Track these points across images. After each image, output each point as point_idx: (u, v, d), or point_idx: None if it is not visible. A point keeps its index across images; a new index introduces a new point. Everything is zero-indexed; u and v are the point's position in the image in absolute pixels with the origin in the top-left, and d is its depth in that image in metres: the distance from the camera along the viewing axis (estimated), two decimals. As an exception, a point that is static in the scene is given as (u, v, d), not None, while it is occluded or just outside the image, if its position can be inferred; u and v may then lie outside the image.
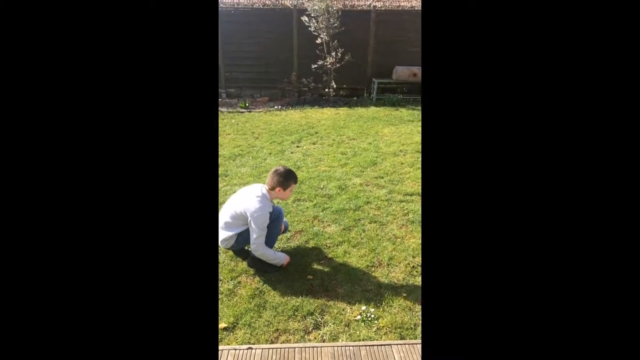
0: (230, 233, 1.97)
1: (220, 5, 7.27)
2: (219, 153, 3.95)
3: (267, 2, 7.36)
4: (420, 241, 2.26)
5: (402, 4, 7.27)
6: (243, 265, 2.04)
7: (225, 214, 2.00)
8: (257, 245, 1.90)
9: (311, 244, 2.25)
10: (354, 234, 2.35)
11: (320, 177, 3.29)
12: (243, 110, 6.31)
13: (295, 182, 1.99)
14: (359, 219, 2.54)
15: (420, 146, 4.06)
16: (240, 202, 1.95)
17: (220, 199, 2.77)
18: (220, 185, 3.13)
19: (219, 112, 6.04)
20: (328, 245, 2.24)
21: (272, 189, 1.95)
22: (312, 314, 1.69)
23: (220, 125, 5.22)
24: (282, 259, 1.99)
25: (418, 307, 1.71)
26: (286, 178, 1.93)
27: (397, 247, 2.22)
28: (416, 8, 7.14)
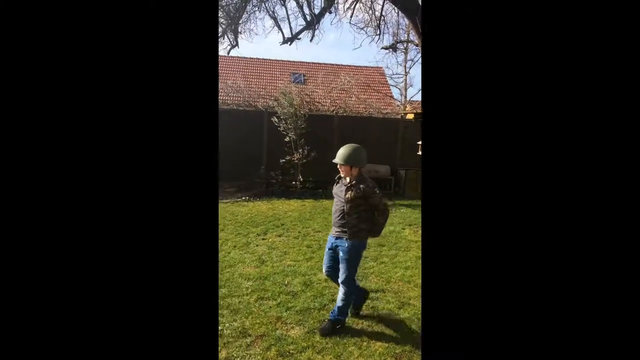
0: None
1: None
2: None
3: (240, 103, 8.12)
4: (388, 347, 2.19)
5: (360, 111, 8.33)
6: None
7: None
8: None
9: (273, 351, 2.09)
10: (318, 338, 2.23)
11: (285, 272, 3.23)
12: (210, 200, 6.34)
13: None
14: (324, 320, 2.45)
15: (380, 240, 4.20)
16: None
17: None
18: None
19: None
20: (291, 351, 2.10)
21: None
22: None
23: (184, 216, 5.15)
24: None
25: None
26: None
27: (363, 352, 2.11)
28: (373, 115, 8.17)
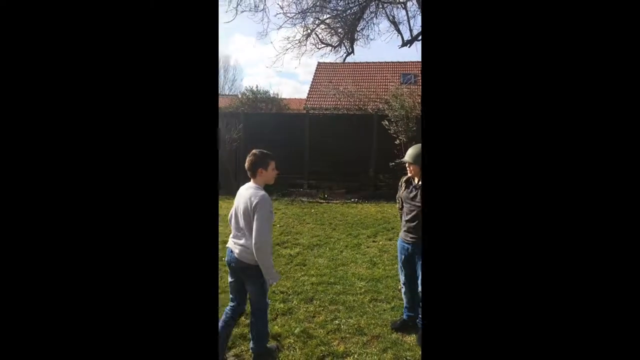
0: (244, 241, 1.84)
1: (310, 111, 8.48)
2: (299, 241, 4.16)
3: (351, 108, 8.36)
4: None
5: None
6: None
7: (234, 228, 1.93)
8: (261, 241, 1.73)
9: (390, 354, 2.10)
10: (437, 350, 2.14)
11: (397, 277, 3.18)
12: (322, 200, 6.72)
13: (273, 159, 1.90)
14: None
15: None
16: (241, 207, 1.86)
17: (297, 288, 2.84)
18: (298, 274, 3.23)
19: (300, 201, 6.52)
20: (408, 357, 2.06)
21: (254, 176, 1.87)
22: None
23: (300, 213, 5.59)
24: (276, 278, 1.87)
25: None
26: (262, 156, 1.86)
27: None
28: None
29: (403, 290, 2.38)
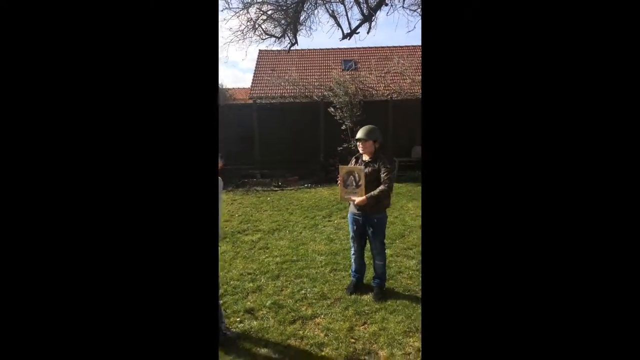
0: None
1: (257, 100, 8.48)
2: (259, 228, 4.35)
3: (297, 95, 8.54)
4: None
5: (416, 93, 8.25)
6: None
7: None
8: None
9: (351, 311, 2.45)
10: (390, 301, 2.53)
11: (353, 249, 3.56)
12: (276, 188, 6.92)
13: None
14: (392, 288, 2.74)
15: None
16: None
17: (263, 268, 3.07)
18: (262, 257, 3.45)
19: (255, 190, 6.64)
20: (366, 311, 2.43)
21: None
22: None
23: (257, 202, 5.75)
24: None
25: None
26: None
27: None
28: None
29: (354, 257, 2.74)
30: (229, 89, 11.16)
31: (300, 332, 2.22)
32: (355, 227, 2.65)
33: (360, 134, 2.57)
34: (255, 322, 2.32)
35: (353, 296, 2.62)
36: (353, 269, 2.77)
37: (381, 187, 2.46)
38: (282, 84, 9.54)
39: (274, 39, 5.57)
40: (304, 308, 2.48)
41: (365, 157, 2.60)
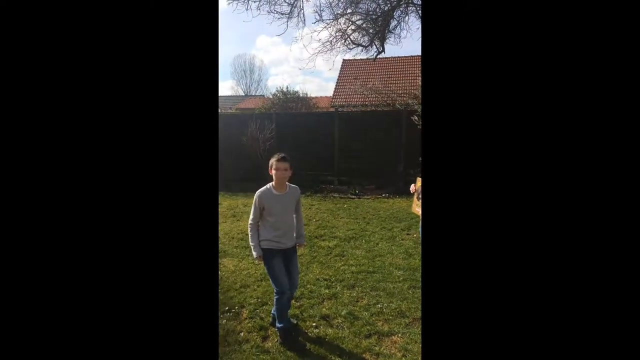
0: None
1: (339, 108, 8.64)
2: (335, 234, 4.39)
3: (379, 104, 8.45)
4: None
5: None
6: (366, 343, 2.18)
7: None
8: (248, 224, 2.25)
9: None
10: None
11: (434, 267, 3.33)
12: (353, 196, 6.91)
13: (278, 160, 2.17)
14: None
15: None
16: None
17: (339, 276, 3.07)
18: (338, 264, 3.45)
19: (332, 197, 6.74)
20: (449, 338, 2.23)
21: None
22: None
23: (334, 208, 5.82)
24: (256, 254, 2.18)
25: None
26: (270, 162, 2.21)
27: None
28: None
29: None
30: (312, 97, 11.64)
31: (376, 348, 2.14)
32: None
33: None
34: (330, 330, 2.32)
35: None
36: None
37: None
38: (365, 92, 9.56)
39: (361, 47, 5.61)
40: (380, 323, 2.40)
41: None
